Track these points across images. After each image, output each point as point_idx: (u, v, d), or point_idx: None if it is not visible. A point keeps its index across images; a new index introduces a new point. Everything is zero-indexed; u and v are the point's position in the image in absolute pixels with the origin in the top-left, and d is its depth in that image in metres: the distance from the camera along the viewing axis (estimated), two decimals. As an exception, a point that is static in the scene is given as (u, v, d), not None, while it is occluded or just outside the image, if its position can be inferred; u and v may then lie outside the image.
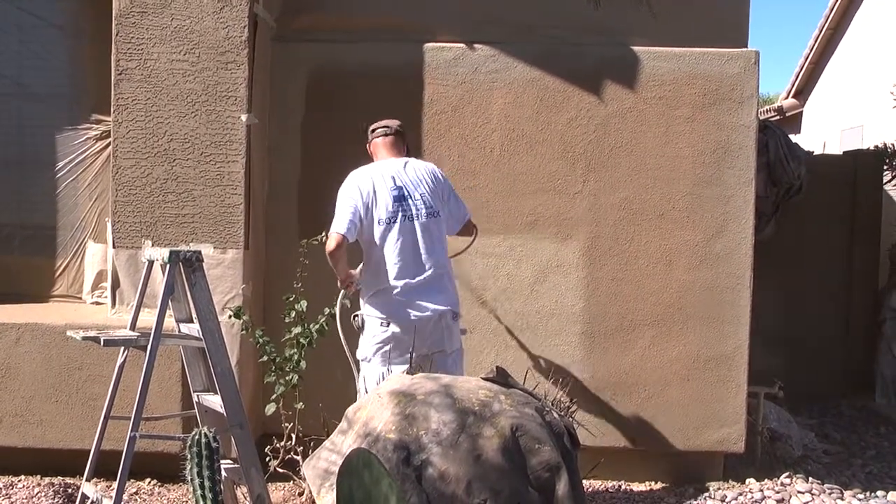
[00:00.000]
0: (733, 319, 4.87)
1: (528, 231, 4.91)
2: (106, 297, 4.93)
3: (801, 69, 12.79)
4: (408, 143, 4.43)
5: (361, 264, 4.19)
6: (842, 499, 4.70)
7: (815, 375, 6.82)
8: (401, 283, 4.04)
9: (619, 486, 4.90)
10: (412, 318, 4.02)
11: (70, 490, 4.51)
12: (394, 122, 4.32)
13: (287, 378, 4.28)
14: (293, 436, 4.37)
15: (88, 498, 3.79)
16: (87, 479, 3.82)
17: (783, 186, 6.47)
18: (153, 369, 3.58)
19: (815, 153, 8.71)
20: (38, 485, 4.57)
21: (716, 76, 4.85)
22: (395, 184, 4.10)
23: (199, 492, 3.27)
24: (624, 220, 4.89)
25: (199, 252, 3.70)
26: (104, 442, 3.79)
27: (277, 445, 4.39)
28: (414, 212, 4.09)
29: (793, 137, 7.11)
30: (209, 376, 3.79)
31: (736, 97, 4.85)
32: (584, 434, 4.74)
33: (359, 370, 4.25)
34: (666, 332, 4.89)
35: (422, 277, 4.06)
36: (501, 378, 3.68)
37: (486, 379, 3.66)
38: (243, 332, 4.48)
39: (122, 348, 3.82)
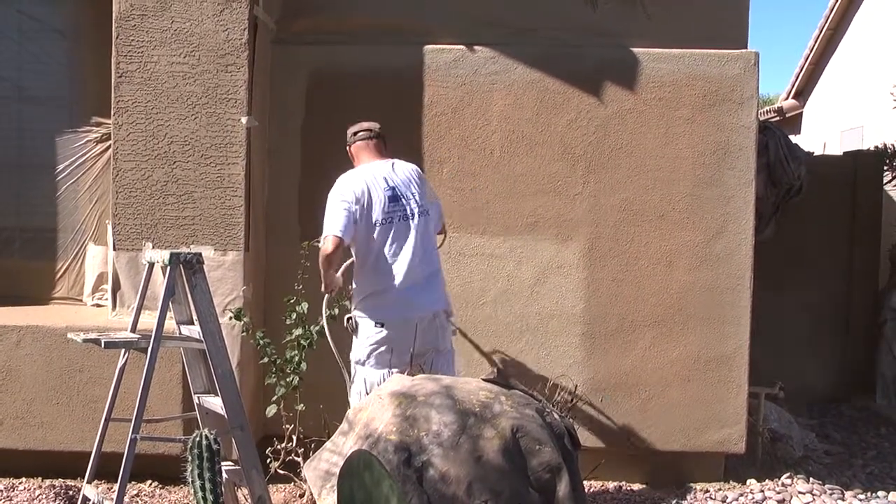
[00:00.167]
0: (734, 320, 4.87)
1: (529, 232, 4.91)
2: (106, 299, 4.93)
3: (801, 70, 12.80)
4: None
5: (342, 268, 4.17)
6: (843, 499, 4.70)
7: (815, 376, 6.82)
8: (400, 283, 4.04)
9: (620, 487, 4.90)
10: (409, 317, 4.02)
11: (71, 492, 4.51)
12: (375, 125, 4.31)
13: (288, 380, 4.28)
14: (294, 437, 4.37)
15: (89, 500, 3.79)
16: (89, 482, 3.82)
17: (783, 187, 6.47)
18: (154, 371, 3.58)
19: (815, 154, 8.73)
20: (40, 487, 4.57)
21: (716, 77, 4.86)
22: (387, 184, 4.11)
23: (199, 494, 3.28)
24: (624, 221, 4.89)
25: (200, 254, 3.70)
26: (105, 444, 3.79)
27: (278, 447, 4.39)
28: (408, 211, 4.10)
29: (793, 138, 7.12)
30: (210, 378, 3.79)
31: (736, 98, 4.85)
32: (585, 435, 4.76)
33: (350, 374, 4.25)
34: (666, 332, 4.89)
35: (420, 276, 4.08)
36: (502, 379, 3.69)
37: (487, 380, 3.67)
38: (244, 333, 4.48)
39: (123, 350, 3.83)
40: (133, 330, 3.84)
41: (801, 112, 13.19)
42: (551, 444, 3.35)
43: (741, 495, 4.70)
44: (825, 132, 12.17)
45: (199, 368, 3.88)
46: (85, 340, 3.74)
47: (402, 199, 4.11)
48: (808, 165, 6.58)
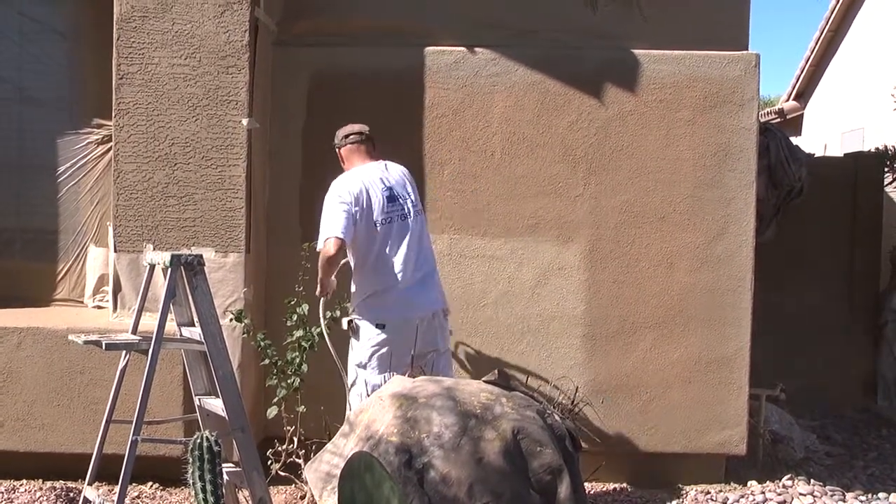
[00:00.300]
0: (734, 322, 4.87)
1: (530, 234, 4.91)
2: (107, 301, 4.93)
3: (802, 72, 12.80)
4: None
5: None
6: (843, 501, 4.70)
7: (815, 377, 6.81)
8: (400, 282, 4.06)
9: (621, 489, 4.90)
10: (409, 317, 4.03)
11: (72, 494, 4.50)
12: (365, 128, 4.33)
13: (289, 381, 4.28)
14: (295, 439, 4.37)
15: (90, 502, 3.79)
16: (89, 483, 3.82)
17: (784, 189, 6.47)
18: (155, 373, 3.58)
19: (815, 155, 8.71)
20: (40, 489, 4.57)
21: (716, 79, 4.86)
22: (384, 185, 4.14)
23: (200, 495, 3.28)
24: (625, 222, 4.89)
25: (201, 256, 3.70)
26: (106, 446, 3.79)
27: (279, 449, 4.39)
28: (405, 211, 4.15)
29: (793, 140, 7.12)
30: (211, 380, 3.78)
31: (737, 100, 4.85)
32: (586, 437, 4.76)
33: (348, 376, 4.25)
34: (667, 334, 4.89)
35: (419, 276, 4.10)
36: (503, 381, 3.69)
37: (488, 382, 3.67)
38: (245, 335, 4.48)
39: (124, 352, 3.83)
40: (134, 332, 3.84)
41: (802, 114, 13.19)
42: (552, 445, 3.35)
43: (742, 497, 4.70)
44: (826, 134, 12.17)
45: (200, 370, 3.88)
46: (86, 342, 3.73)
47: (399, 199, 4.15)
48: (808, 167, 6.58)
